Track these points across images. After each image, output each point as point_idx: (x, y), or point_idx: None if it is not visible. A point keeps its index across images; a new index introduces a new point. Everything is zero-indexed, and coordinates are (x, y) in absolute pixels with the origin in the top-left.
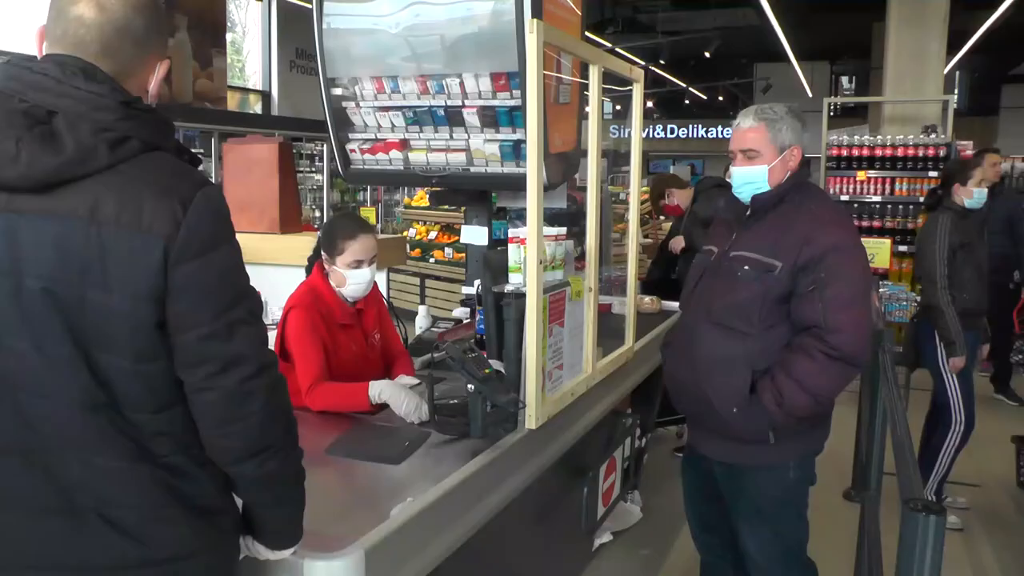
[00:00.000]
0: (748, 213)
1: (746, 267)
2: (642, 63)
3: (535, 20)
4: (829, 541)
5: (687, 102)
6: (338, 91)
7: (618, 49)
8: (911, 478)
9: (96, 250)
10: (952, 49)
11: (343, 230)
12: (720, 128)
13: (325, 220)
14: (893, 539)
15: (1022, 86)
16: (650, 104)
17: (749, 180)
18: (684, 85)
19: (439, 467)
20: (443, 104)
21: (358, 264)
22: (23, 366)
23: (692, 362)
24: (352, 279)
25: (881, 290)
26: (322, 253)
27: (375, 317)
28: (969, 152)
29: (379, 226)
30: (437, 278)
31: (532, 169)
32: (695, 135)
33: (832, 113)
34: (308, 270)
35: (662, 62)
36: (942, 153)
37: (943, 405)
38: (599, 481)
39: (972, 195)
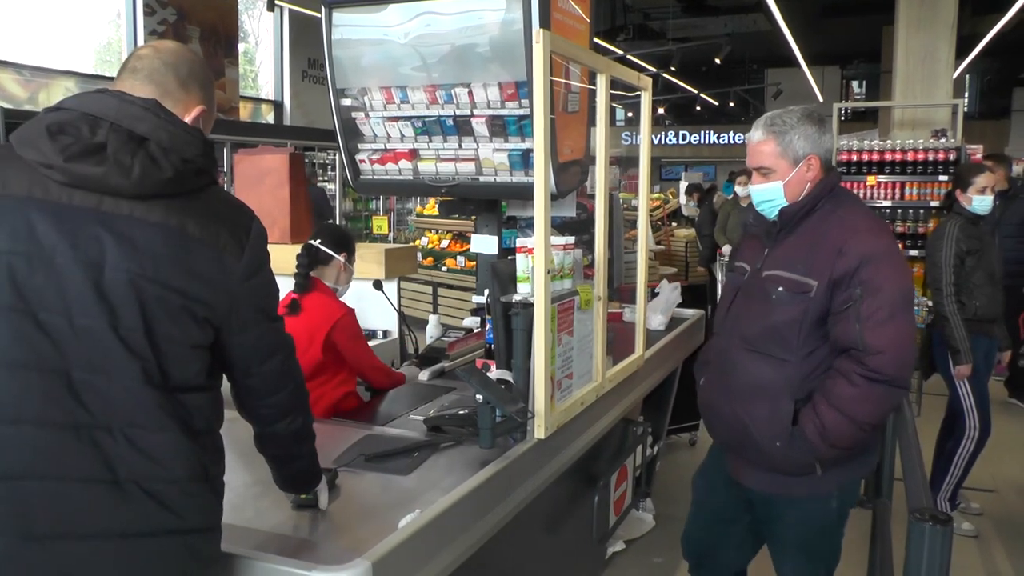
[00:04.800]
0: (778, 228)
1: (780, 288)
2: (654, 69)
3: (541, 30)
4: (844, 550)
5: (698, 108)
6: (347, 101)
7: (629, 56)
8: (919, 487)
9: (183, 256)
10: (962, 53)
11: (353, 237)
12: (732, 134)
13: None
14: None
15: None
16: (661, 111)
17: (767, 198)
18: (696, 91)
19: (448, 478)
20: (452, 114)
21: None
22: (90, 344)
23: (728, 390)
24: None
25: None
26: (342, 256)
27: None
28: (979, 156)
29: (392, 235)
30: (449, 287)
31: (539, 178)
32: (707, 141)
33: (843, 118)
34: (306, 277)
35: (673, 68)
36: (952, 157)
37: (957, 412)
38: (610, 490)
39: (971, 202)
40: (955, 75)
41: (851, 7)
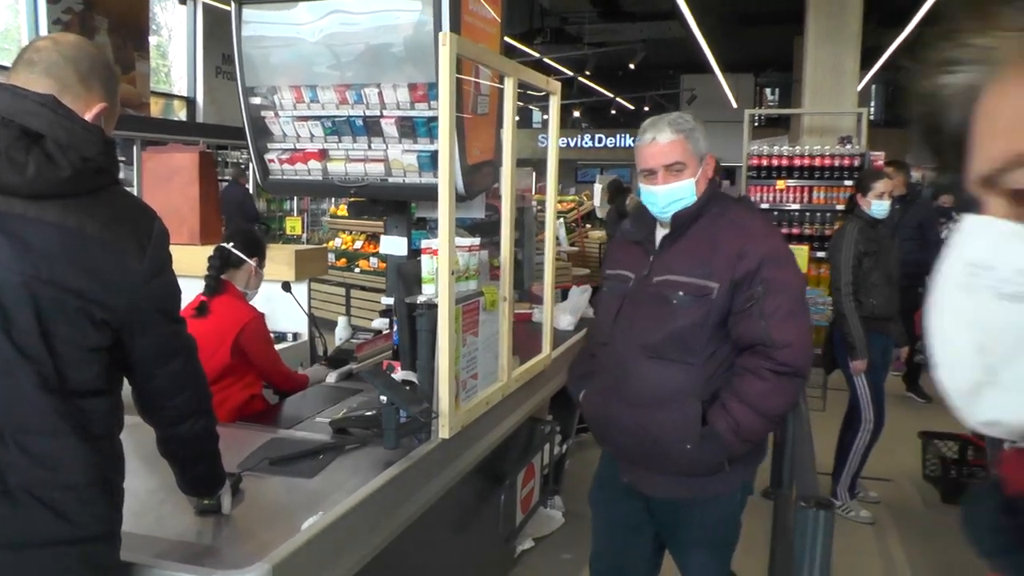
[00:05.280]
0: (668, 232)
1: (680, 293)
2: (570, 73)
3: (446, 32)
4: (749, 538)
5: (614, 112)
6: (257, 100)
7: (546, 59)
8: (809, 477)
9: (81, 257)
10: (868, 64)
11: (264, 242)
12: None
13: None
14: None
15: None
16: (577, 114)
17: (678, 197)
18: (611, 95)
19: (352, 480)
20: (362, 114)
21: None
22: None
23: (629, 400)
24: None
25: None
26: (254, 261)
27: None
28: (881, 162)
29: (305, 235)
30: (362, 288)
31: (444, 180)
32: (623, 144)
33: (757, 123)
34: (217, 280)
35: (588, 72)
36: (856, 163)
37: (855, 405)
38: (517, 488)
39: (871, 206)
40: (861, 85)
41: (764, 18)
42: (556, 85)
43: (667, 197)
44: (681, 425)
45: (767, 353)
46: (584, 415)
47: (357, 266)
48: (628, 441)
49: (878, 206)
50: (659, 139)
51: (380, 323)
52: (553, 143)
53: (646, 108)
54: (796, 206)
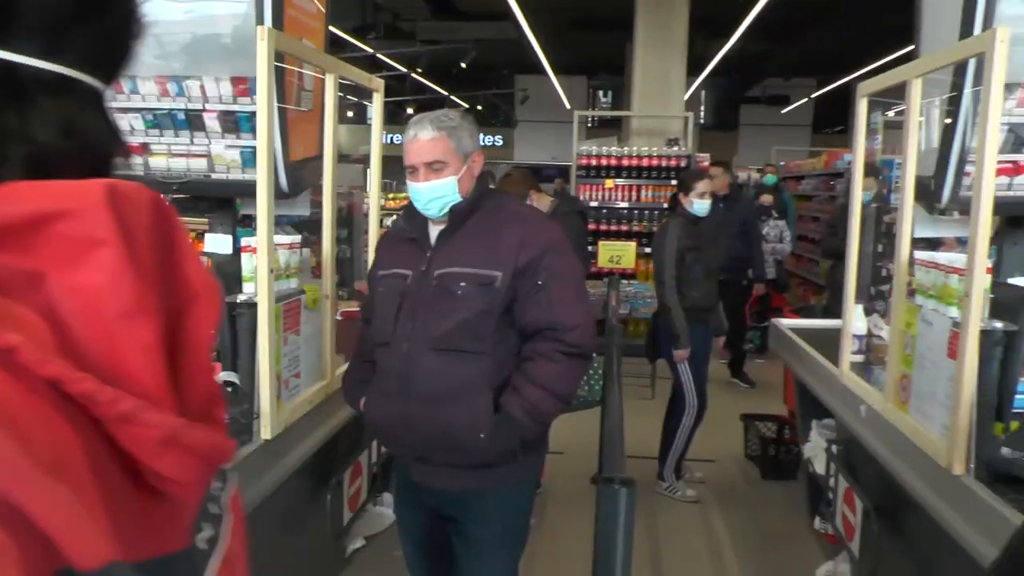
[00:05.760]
0: (444, 227)
1: (464, 283)
2: (404, 70)
3: (263, 27)
4: (578, 525)
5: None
6: None
7: (379, 55)
8: (616, 457)
9: None
10: (697, 71)
11: None
12: (482, 136)
13: None
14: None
15: (756, 106)
16: (411, 111)
17: (439, 195)
18: (446, 93)
19: None
20: (183, 107)
21: None
22: None
23: (419, 397)
24: None
25: (629, 288)
26: None
27: None
28: (706, 163)
29: None
30: None
31: (262, 176)
32: None
33: (591, 125)
34: None
35: (419, 70)
36: (683, 164)
37: (679, 392)
38: (344, 487)
39: (692, 205)
40: (691, 90)
41: (595, 24)
42: (379, 83)
43: (428, 194)
44: (474, 414)
45: (557, 336)
46: (368, 420)
47: None
48: (420, 438)
49: (699, 205)
50: (420, 136)
51: None
52: (376, 140)
53: (478, 107)
54: (625, 204)
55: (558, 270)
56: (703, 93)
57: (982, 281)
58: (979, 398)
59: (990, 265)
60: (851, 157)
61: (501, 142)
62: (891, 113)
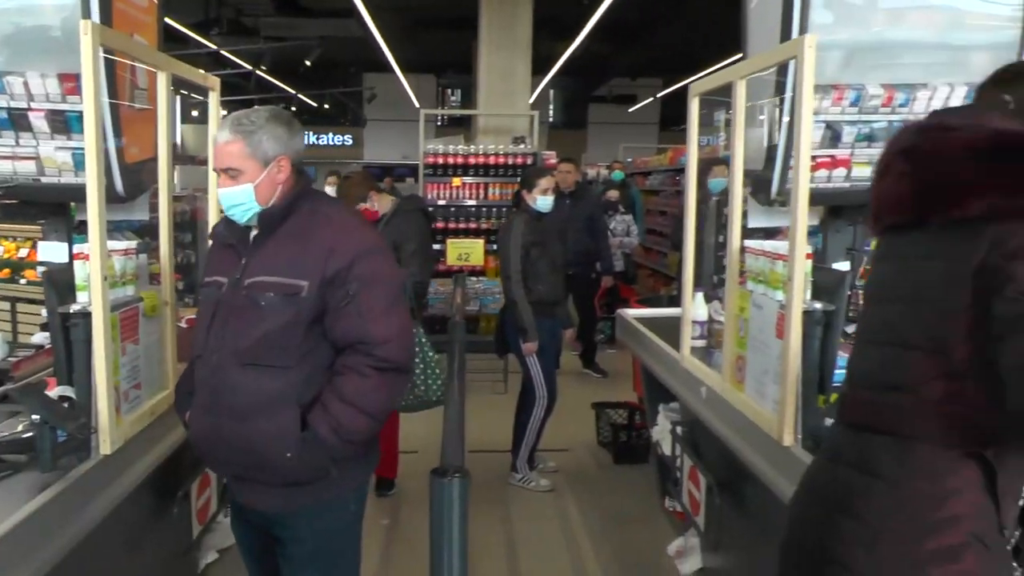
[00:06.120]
0: (257, 232)
1: (270, 294)
2: (248, 67)
3: (86, 21)
4: (422, 521)
5: (294, 109)
6: None
7: (223, 51)
8: (455, 450)
9: None
10: (544, 70)
11: None
12: (331, 136)
13: None
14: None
15: (603, 105)
16: None
17: (237, 201)
18: (293, 92)
19: (3, 509)
20: (6, 106)
21: None
22: None
23: (229, 412)
24: None
25: (478, 285)
26: None
27: None
28: (553, 160)
29: None
30: (31, 301)
31: (92, 179)
32: (306, 142)
33: (441, 123)
34: None
35: (263, 68)
36: (529, 161)
37: (529, 385)
38: (192, 500)
39: (535, 201)
40: (539, 90)
41: (442, 22)
42: (214, 81)
43: (226, 200)
44: (280, 432)
45: (367, 350)
46: (189, 436)
47: (23, 276)
48: (232, 455)
49: (542, 201)
50: (219, 139)
51: (41, 337)
52: (212, 141)
53: (326, 106)
54: (473, 202)
55: (370, 279)
56: (552, 92)
57: (802, 266)
58: (804, 374)
59: (811, 251)
60: None
61: (351, 141)
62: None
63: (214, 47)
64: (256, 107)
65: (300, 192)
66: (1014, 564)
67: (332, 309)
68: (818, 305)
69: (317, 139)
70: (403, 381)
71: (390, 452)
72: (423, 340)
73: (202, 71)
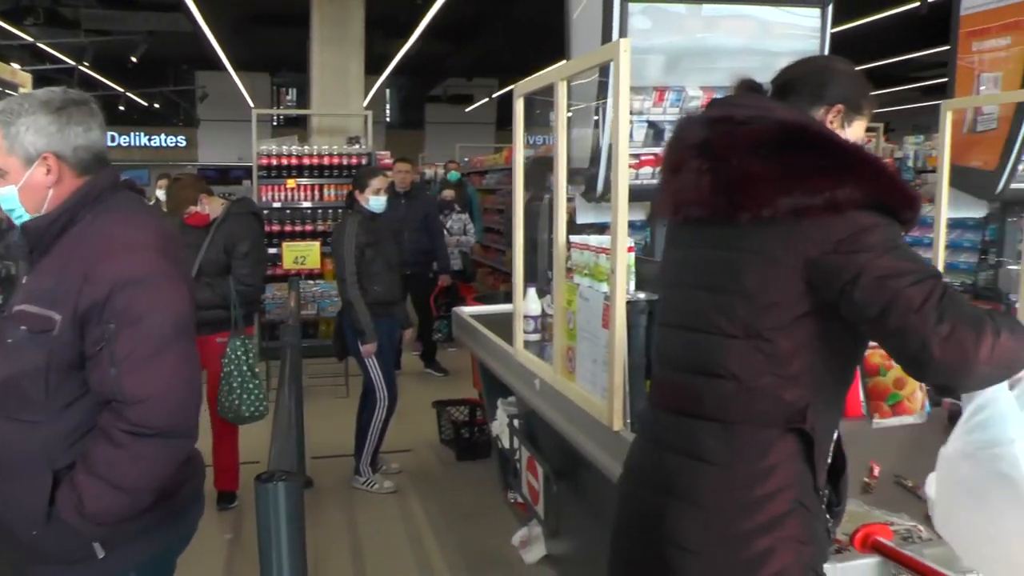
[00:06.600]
0: (29, 249)
1: (24, 328)
2: (71, 62)
3: None
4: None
5: (122, 108)
6: None
7: (40, 44)
8: (284, 454)
9: None
10: (379, 70)
11: None
12: (164, 136)
13: None
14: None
15: (440, 105)
16: None
17: (7, 208)
18: (121, 89)
19: None
20: None
21: None
22: None
23: None
24: None
25: (315, 288)
26: None
27: None
28: (388, 160)
29: None
30: None
31: None
32: (138, 143)
33: (277, 123)
34: None
35: (86, 63)
36: (364, 161)
37: (369, 386)
38: None
39: (368, 201)
40: (374, 89)
41: (274, 18)
42: (25, 77)
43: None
44: (25, 502)
45: (120, 410)
46: None
47: None
48: None
49: (375, 201)
50: None
51: None
52: None
53: (155, 105)
54: (308, 204)
55: (131, 317)
56: (388, 92)
57: (624, 259)
58: (630, 360)
59: (632, 245)
60: (527, 152)
61: (184, 143)
62: (568, 113)
63: (30, 39)
64: (32, 91)
65: (80, 199)
66: (827, 516)
67: (89, 354)
68: (642, 295)
69: (149, 140)
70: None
71: (230, 464)
72: (240, 354)
73: (14, 65)
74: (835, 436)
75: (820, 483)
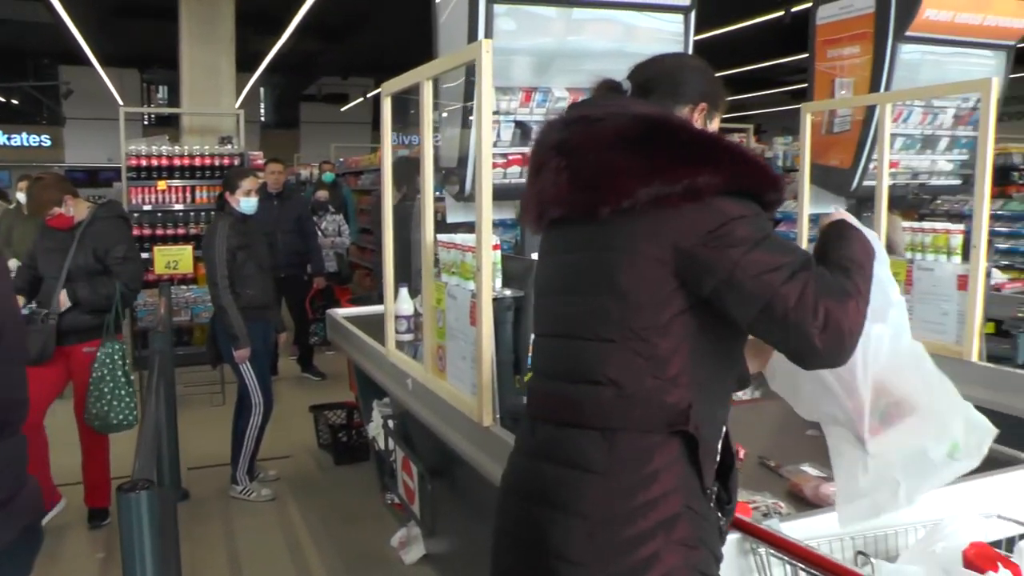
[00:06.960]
0: None
1: None
2: None
3: None
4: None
5: None
6: None
7: None
8: (139, 464)
9: None
10: (251, 68)
11: None
12: (26, 135)
13: None
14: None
15: (315, 104)
16: None
17: None
18: None
19: None
20: None
21: None
22: None
23: None
24: None
25: (188, 294)
26: None
27: None
28: (260, 161)
29: None
30: None
31: None
32: None
33: (149, 123)
34: None
35: None
36: (236, 162)
37: (244, 392)
38: None
39: (239, 203)
40: (248, 88)
41: (142, 11)
42: None
43: None
44: None
45: None
46: None
47: None
48: None
49: (246, 203)
50: None
51: None
52: None
53: (14, 101)
54: (180, 206)
55: None
56: (262, 90)
57: (490, 256)
58: (499, 357)
59: (497, 242)
60: (403, 152)
61: (48, 142)
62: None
63: None
64: None
65: None
66: (718, 514)
67: None
68: (508, 292)
69: (9, 139)
70: None
71: (102, 480)
72: (116, 358)
73: None
74: (723, 432)
75: (708, 483)
